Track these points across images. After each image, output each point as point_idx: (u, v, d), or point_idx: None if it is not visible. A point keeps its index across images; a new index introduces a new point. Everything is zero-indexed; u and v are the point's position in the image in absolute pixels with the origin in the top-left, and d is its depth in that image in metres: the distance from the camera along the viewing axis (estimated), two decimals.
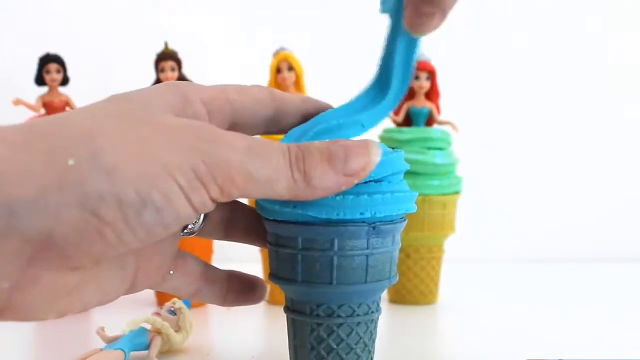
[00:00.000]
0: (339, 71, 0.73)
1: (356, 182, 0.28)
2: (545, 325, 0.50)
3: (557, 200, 0.86)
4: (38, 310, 0.24)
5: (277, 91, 0.33)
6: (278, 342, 0.45)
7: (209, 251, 0.57)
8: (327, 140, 0.28)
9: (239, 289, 0.34)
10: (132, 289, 0.29)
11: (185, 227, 0.32)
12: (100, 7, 0.82)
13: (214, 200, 0.25)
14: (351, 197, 0.29)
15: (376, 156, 0.28)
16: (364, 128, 0.31)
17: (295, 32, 0.79)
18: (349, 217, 0.29)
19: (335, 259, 0.30)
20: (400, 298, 0.56)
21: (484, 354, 0.42)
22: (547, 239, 0.86)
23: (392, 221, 0.31)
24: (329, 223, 0.30)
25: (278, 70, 0.55)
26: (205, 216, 0.33)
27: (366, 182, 0.30)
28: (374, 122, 0.31)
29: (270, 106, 0.32)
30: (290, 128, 0.33)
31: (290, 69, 0.55)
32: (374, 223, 0.30)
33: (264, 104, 0.32)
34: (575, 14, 0.86)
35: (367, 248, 0.31)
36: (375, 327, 0.33)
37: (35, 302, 0.24)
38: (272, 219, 0.31)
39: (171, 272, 0.31)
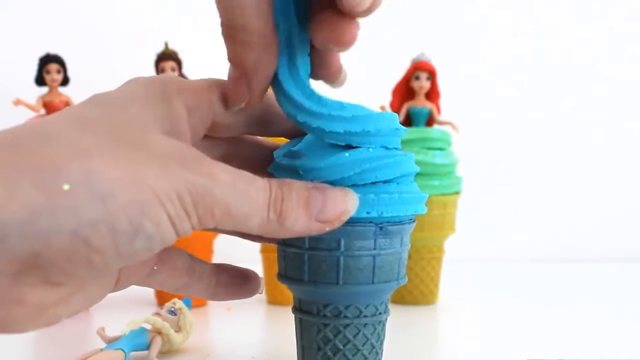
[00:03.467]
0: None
1: (327, 229, 0.28)
2: (545, 325, 0.50)
3: (557, 200, 0.86)
4: (23, 324, 0.24)
5: (269, 92, 0.32)
6: (278, 342, 0.45)
7: (209, 251, 0.57)
8: (308, 184, 0.28)
9: (229, 282, 0.33)
10: (116, 287, 0.29)
11: None
12: (100, 6, 0.82)
13: (192, 228, 0.25)
14: (358, 195, 0.29)
15: (352, 208, 0.29)
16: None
17: None
18: (356, 215, 0.29)
19: (342, 258, 0.30)
20: (400, 298, 0.56)
21: (483, 354, 0.42)
22: (547, 239, 0.86)
23: (400, 222, 0.31)
24: None
25: None
26: None
27: (374, 183, 0.30)
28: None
29: (257, 107, 0.32)
30: (283, 132, 0.33)
31: None
32: (381, 223, 0.30)
33: (248, 114, 0.32)
34: (576, 14, 0.86)
35: (374, 248, 0.31)
36: (383, 329, 0.33)
37: (20, 317, 0.23)
38: None
39: (155, 268, 0.31)
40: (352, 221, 0.29)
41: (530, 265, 0.78)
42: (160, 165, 0.24)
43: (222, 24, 0.28)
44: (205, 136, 0.32)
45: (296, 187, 0.28)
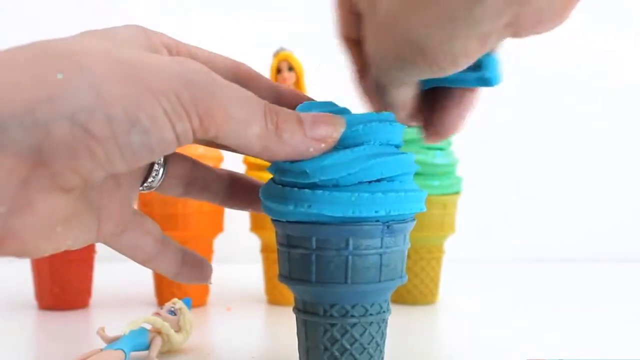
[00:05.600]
0: (340, 71, 0.73)
1: (323, 146, 0.29)
2: (545, 325, 0.50)
3: (557, 200, 0.86)
4: (36, 238, 0.24)
5: (247, 68, 0.33)
6: (278, 342, 0.45)
7: (209, 251, 0.57)
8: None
9: (191, 266, 0.34)
10: (99, 232, 0.30)
11: (145, 181, 0.33)
12: (100, 6, 0.82)
13: (194, 132, 0.26)
14: (366, 194, 0.29)
15: (340, 127, 0.30)
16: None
17: (296, 32, 0.79)
18: (364, 214, 0.30)
19: (350, 258, 0.30)
20: (399, 298, 0.56)
21: (483, 354, 0.42)
22: (547, 239, 0.86)
23: (404, 220, 0.31)
24: (344, 222, 0.30)
25: (278, 70, 0.55)
26: (165, 171, 0.33)
27: (379, 180, 0.30)
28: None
29: (228, 75, 0.32)
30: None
31: (290, 69, 0.55)
32: (388, 222, 0.31)
33: (220, 71, 0.31)
34: (576, 13, 0.86)
35: (381, 247, 0.31)
36: (386, 327, 0.33)
37: (32, 228, 0.24)
38: (283, 219, 0.31)
39: (133, 213, 0.32)
40: (360, 220, 0.30)
41: (530, 265, 0.78)
42: (157, 63, 0.25)
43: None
44: None
45: (284, 107, 0.29)
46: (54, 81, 0.23)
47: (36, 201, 0.24)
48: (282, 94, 0.34)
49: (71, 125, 0.23)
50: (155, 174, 0.33)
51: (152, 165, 0.32)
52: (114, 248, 0.32)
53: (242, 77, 0.33)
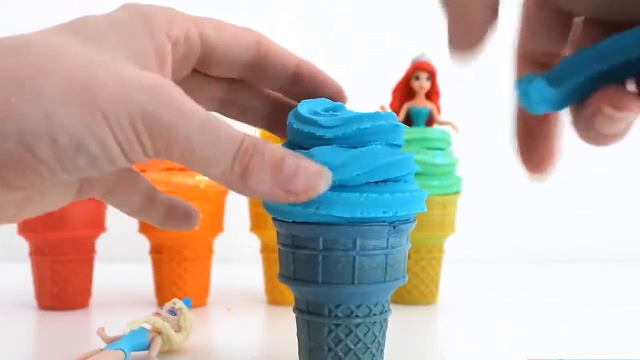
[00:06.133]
0: (340, 71, 0.73)
1: (292, 200, 0.27)
2: (545, 325, 0.50)
3: (557, 200, 0.86)
4: None
5: (269, 41, 0.33)
6: (278, 342, 0.45)
7: (209, 251, 0.57)
8: (287, 151, 0.28)
9: (177, 215, 0.35)
10: (78, 197, 0.31)
11: None
12: (101, 6, 0.82)
13: (150, 157, 0.26)
14: (374, 195, 0.30)
15: (322, 187, 0.28)
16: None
17: (296, 32, 0.79)
18: (372, 215, 0.30)
19: (357, 258, 0.31)
20: (400, 298, 0.56)
21: (483, 354, 0.42)
22: (547, 239, 0.86)
23: (408, 220, 0.32)
24: (351, 223, 0.30)
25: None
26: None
27: (384, 181, 0.30)
28: None
29: (252, 50, 0.32)
30: (274, 84, 0.33)
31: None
32: (394, 222, 0.31)
33: (245, 46, 0.32)
34: None
35: (387, 247, 0.31)
36: (387, 327, 0.34)
37: None
38: (290, 220, 0.31)
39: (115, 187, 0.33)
40: (368, 220, 0.30)
41: (530, 265, 0.78)
42: (120, 94, 0.25)
43: None
44: (202, 74, 0.32)
45: (271, 149, 0.27)
46: (7, 103, 0.24)
47: None
48: (300, 72, 0.33)
49: (18, 145, 0.24)
50: None
51: None
52: (104, 202, 0.34)
53: (263, 51, 0.32)
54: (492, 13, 0.22)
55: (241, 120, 0.35)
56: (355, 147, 0.30)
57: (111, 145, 0.25)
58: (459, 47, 0.23)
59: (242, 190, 0.27)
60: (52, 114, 0.24)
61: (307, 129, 0.31)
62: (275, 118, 0.35)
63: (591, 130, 0.23)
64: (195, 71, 0.33)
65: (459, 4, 0.22)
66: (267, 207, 0.32)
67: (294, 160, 0.27)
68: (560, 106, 0.24)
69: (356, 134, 0.30)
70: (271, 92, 0.35)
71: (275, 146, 0.28)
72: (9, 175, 0.25)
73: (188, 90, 0.32)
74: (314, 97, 0.33)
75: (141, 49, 0.28)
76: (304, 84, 0.33)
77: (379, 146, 0.30)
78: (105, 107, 0.24)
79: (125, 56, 0.27)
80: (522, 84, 0.23)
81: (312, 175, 0.27)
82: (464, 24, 0.22)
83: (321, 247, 0.31)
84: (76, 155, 0.24)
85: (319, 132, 0.30)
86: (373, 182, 0.30)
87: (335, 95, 0.34)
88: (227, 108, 0.35)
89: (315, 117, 0.31)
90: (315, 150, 0.30)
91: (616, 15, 0.24)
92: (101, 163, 0.25)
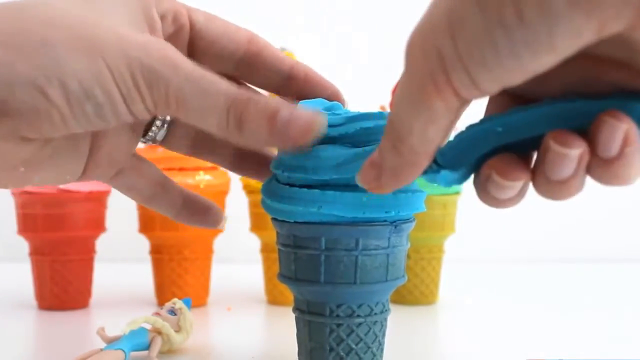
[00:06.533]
0: (340, 71, 0.73)
1: (289, 145, 0.28)
2: (545, 325, 0.50)
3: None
4: None
5: (263, 41, 0.33)
6: (278, 342, 0.45)
7: (209, 251, 0.57)
8: (284, 102, 0.28)
9: (194, 208, 0.35)
10: (85, 175, 0.32)
11: (146, 134, 0.34)
12: None
13: (149, 112, 0.27)
14: (376, 195, 0.30)
15: (317, 133, 0.28)
16: None
17: (296, 31, 0.79)
18: (374, 215, 0.30)
19: (359, 258, 0.31)
20: (400, 298, 0.56)
21: (483, 354, 0.42)
22: (547, 239, 0.86)
23: (408, 219, 0.32)
24: (354, 222, 0.30)
25: None
26: (168, 126, 0.34)
27: None
28: None
29: (242, 46, 0.33)
30: (267, 83, 0.34)
31: None
32: (395, 221, 0.31)
33: (235, 41, 0.33)
34: None
35: (388, 246, 0.31)
36: (386, 326, 0.34)
37: None
38: (291, 220, 0.31)
39: (124, 171, 0.33)
40: (370, 220, 0.30)
41: (530, 265, 0.78)
42: (120, 47, 0.26)
43: (396, 139, 0.24)
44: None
45: (265, 100, 0.28)
46: (19, 50, 0.25)
47: None
48: (295, 74, 0.34)
49: (31, 89, 0.25)
50: (157, 129, 0.34)
51: (154, 118, 0.33)
52: (112, 186, 0.34)
53: (254, 49, 0.33)
54: (430, 159, 0.24)
55: None
56: (358, 147, 0.30)
57: (115, 95, 0.26)
58: (395, 186, 0.25)
59: (239, 140, 0.28)
60: (61, 61, 0.25)
61: None
62: None
63: (486, 194, 0.24)
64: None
65: (410, 155, 0.24)
66: (268, 207, 0.32)
67: (288, 108, 0.28)
68: (466, 178, 0.25)
69: (359, 133, 0.30)
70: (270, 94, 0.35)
71: (270, 98, 0.28)
72: (21, 124, 0.26)
73: None
74: (310, 98, 0.33)
75: (136, 21, 0.29)
76: (299, 85, 0.34)
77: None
78: (109, 60, 0.26)
79: (122, 20, 0.28)
80: (429, 175, 0.25)
81: (308, 118, 0.28)
82: (407, 174, 0.24)
83: (323, 247, 0.31)
84: (85, 101, 0.26)
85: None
86: None
87: (332, 97, 0.34)
88: None
89: None
90: (318, 149, 0.30)
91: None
92: (106, 112, 0.26)
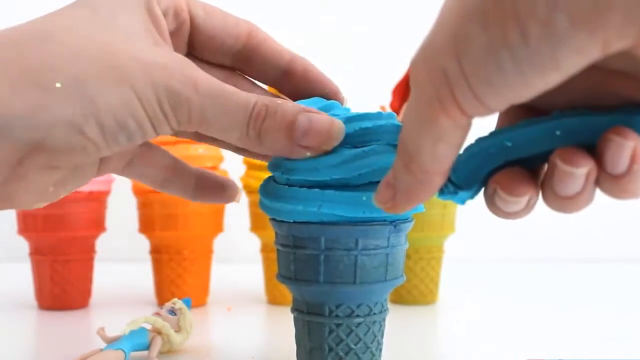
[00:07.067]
0: (340, 71, 0.73)
1: (309, 154, 0.29)
2: (545, 325, 0.50)
3: None
4: (27, 201, 0.28)
5: (262, 32, 0.34)
6: (278, 342, 0.45)
7: (209, 251, 0.57)
8: (298, 106, 0.29)
9: (209, 186, 0.36)
10: (98, 174, 0.33)
11: None
12: None
13: (174, 130, 0.28)
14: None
15: (335, 140, 0.29)
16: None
17: (296, 31, 0.79)
18: (374, 214, 0.30)
19: (359, 257, 0.31)
20: (399, 298, 0.56)
21: (483, 354, 0.42)
22: (547, 239, 0.86)
23: (407, 219, 0.32)
24: (353, 222, 0.30)
25: None
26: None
27: None
28: None
29: (241, 39, 0.33)
30: (266, 76, 0.34)
31: None
32: (395, 221, 0.31)
33: (234, 34, 0.33)
34: None
35: (387, 246, 0.31)
36: (385, 326, 0.34)
37: (23, 194, 0.28)
38: (290, 220, 0.31)
39: (134, 161, 0.35)
40: (370, 220, 0.30)
41: (530, 265, 0.78)
42: (145, 73, 0.27)
43: (407, 158, 0.24)
44: (198, 59, 0.33)
45: (282, 109, 0.29)
46: (53, 89, 0.25)
47: (28, 176, 0.27)
48: (293, 67, 0.34)
49: (69, 130, 0.26)
50: None
51: None
52: (122, 176, 0.35)
53: (252, 42, 0.33)
54: (444, 177, 0.24)
55: None
56: (357, 147, 0.30)
57: (145, 122, 0.27)
58: (409, 206, 0.25)
59: (261, 150, 0.29)
60: (95, 97, 0.26)
61: None
62: None
63: (494, 207, 0.25)
64: (192, 56, 0.34)
65: (422, 174, 0.24)
66: (266, 208, 0.32)
67: (306, 116, 0.29)
68: (478, 192, 0.25)
69: (358, 133, 0.30)
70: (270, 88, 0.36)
71: (288, 104, 0.29)
72: (57, 158, 0.27)
73: None
74: (309, 94, 0.33)
75: (145, 23, 0.29)
76: (298, 80, 0.34)
77: (380, 146, 0.30)
78: (137, 87, 0.26)
79: (137, 31, 0.29)
80: (446, 195, 0.25)
81: (325, 128, 0.29)
82: (420, 193, 0.24)
83: (323, 247, 0.31)
84: (119, 132, 0.27)
85: None
86: (375, 182, 0.30)
87: (331, 94, 0.34)
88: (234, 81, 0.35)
89: None
90: None
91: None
92: (136, 137, 0.28)
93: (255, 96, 0.29)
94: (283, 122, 0.28)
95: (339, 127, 0.29)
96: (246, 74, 0.35)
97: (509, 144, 0.24)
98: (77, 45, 0.26)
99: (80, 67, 0.26)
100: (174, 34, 0.32)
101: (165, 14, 0.31)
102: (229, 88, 0.28)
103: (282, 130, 0.28)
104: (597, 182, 0.22)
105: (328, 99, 0.33)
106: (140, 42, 0.28)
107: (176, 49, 0.32)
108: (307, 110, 0.29)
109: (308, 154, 0.29)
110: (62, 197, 0.30)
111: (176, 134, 0.35)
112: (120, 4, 0.29)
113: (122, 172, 0.35)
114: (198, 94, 0.27)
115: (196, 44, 0.33)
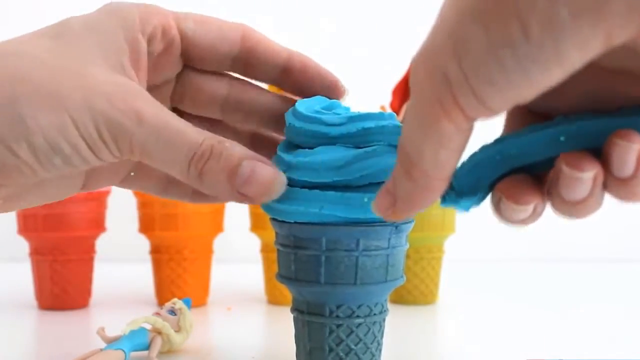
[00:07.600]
0: (340, 70, 0.73)
1: (246, 203, 0.29)
2: (545, 325, 0.50)
3: None
4: None
5: (256, 33, 0.33)
6: (278, 342, 0.45)
7: (209, 251, 0.57)
8: (246, 153, 0.29)
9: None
10: (85, 187, 0.33)
11: None
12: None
13: (117, 158, 0.28)
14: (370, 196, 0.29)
15: (277, 193, 0.29)
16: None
17: (296, 31, 0.79)
18: (375, 215, 0.30)
19: (360, 258, 0.31)
20: (399, 298, 0.56)
21: (483, 354, 0.42)
22: (547, 239, 0.86)
23: (408, 220, 0.32)
24: (354, 223, 0.30)
25: None
26: None
27: None
28: None
29: (236, 43, 0.33)
30: (265, 77, 0.34)
31: None
32: (395, 222, 0.31)
33: (229, 40, 0.32)
34: None
35: (388, 247, 0.31)
36: (384, 326, 0.34)
37: None
38: (291, 221, 0.31)
39: (132, 174, 0.34)
40: (371, 221, 0.30)
41: (530, 265, 0.78)
42: (84, 100, 0.27)
43: (408, 164, 0.23)
44: (197, 70, 0.33)
45: (228, 153, 0.28)
46: None
47: None
48: (291, 64, 0.34)
49: (2, 148, 0.26)
50: None
51: None
52: (122, 187, 0.35)
53: (248, 45, 0.33)
54: (446, 183, 0.24)
55: (248, 125, 0.36)
56: (359, 147, 0.30)
57: (81, 146, 0.27)
58: (410, 213, 0.24)
59: (201, 190, 0.29)
60: (27, 118, 0.26)
61: (310, 127, 0.31)
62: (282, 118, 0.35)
63: (501, 215, 0.25)
64: (190, 67, 0.33)
65: (423, 180, 0.23)
66: (268, 208, 0.32)
67: (250, 164, 0.28)
68: (483, 199, 0.25)
69: (360, 133, 0.30)
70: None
71: (235, 148, 0.28)
72: None
73: (187, 88, 0.32)
74: (308, 89, 0.33)
75: (114, 49, 0.29)
76: (297, 76, 0.34)
77: (382, 147, 0.30)
78: (73, 113, 0.27)
79: (97, 58, 0.28)
80: (448, 203, 0.25)
81: (267, 181, 0.29)
82: (422, 200, 0.24)
83: (324, 248, 0.31)
84: (52, 155, 0.27)
85: (324, 129, 0.30)
86: (376, 183, 0.30)
87: (331, 87, 0.34)
88: (231, 110, 0.35)
89: (318, 115, 0.31)
90: (319, 149, 0.30)
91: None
92: (75, 161, 0.28)
93: (203, 135, 0.28)
94: (226, 165, 0.28)
95: (281, 181, 0.29)
96: (246, 77, 0.34)
97: (514, 151, 0.24)
98: (21, 68, 0.27)
99: (18, 88, 0.26)
100: (163, 54, 0.32)
101: (152, 37, 0.31)
102: (175, 123, 0.28)
103: (223, 173, 0.28)
104: (605, 186, 0.22)
105: (329, 94, 0.33)
106: (94, 69, 0.28)
107: (169, 66, 0.32)
108: (254, 158, 0.29)
109: (245, 202, 0.29)
110: (24, 206, 0.31)
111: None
112: (92, 30, 0.29)
113: (120, 185, 0.35)
114: (141, 126, 0.27)
115: (192, 56, 0.33)
